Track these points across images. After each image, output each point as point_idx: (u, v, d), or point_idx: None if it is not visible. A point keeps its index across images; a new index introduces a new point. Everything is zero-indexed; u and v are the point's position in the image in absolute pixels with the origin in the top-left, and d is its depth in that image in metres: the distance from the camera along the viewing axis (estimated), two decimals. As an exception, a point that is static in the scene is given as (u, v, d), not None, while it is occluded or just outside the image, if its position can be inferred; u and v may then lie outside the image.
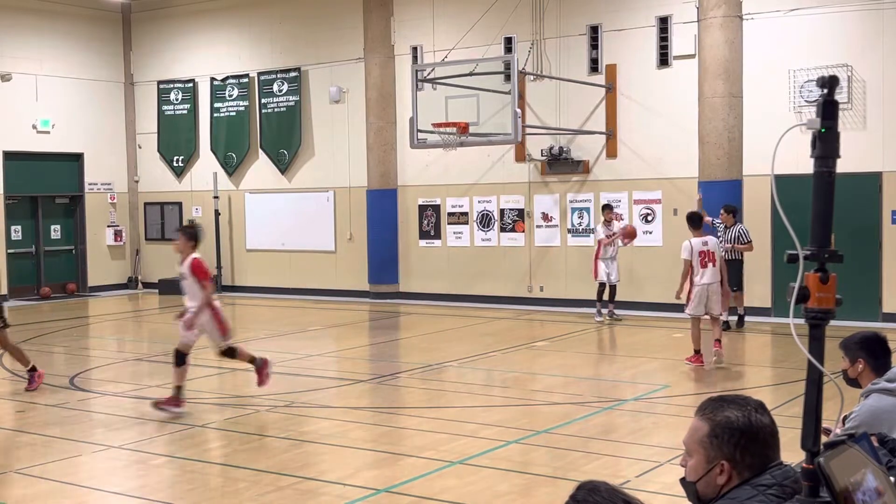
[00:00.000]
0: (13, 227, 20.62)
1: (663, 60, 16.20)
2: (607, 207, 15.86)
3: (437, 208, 18.69)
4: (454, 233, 18.54)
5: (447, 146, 15.39)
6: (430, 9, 18.32)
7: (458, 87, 15.24)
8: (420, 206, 18.86)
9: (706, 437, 2.69)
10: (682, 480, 2.78)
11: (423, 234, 18.85)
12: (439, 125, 14.85)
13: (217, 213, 21.18)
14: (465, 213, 18.39)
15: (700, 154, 15.78)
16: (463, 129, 14.61)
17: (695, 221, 11.80)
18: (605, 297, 15.46)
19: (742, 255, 14.29)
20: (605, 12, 16.74)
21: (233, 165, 21.12)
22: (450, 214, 18.58)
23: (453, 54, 16.22)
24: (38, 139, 20.79)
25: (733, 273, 13.47)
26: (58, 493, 6.90)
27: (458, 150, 16.06)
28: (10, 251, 20.40)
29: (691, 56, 15.90)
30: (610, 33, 16.68)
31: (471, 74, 15.02)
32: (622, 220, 16.04)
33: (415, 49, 18.36)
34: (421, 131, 14.92)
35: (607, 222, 15.50)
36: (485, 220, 18.18)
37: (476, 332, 14.87)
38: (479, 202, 18.23)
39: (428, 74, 15.10)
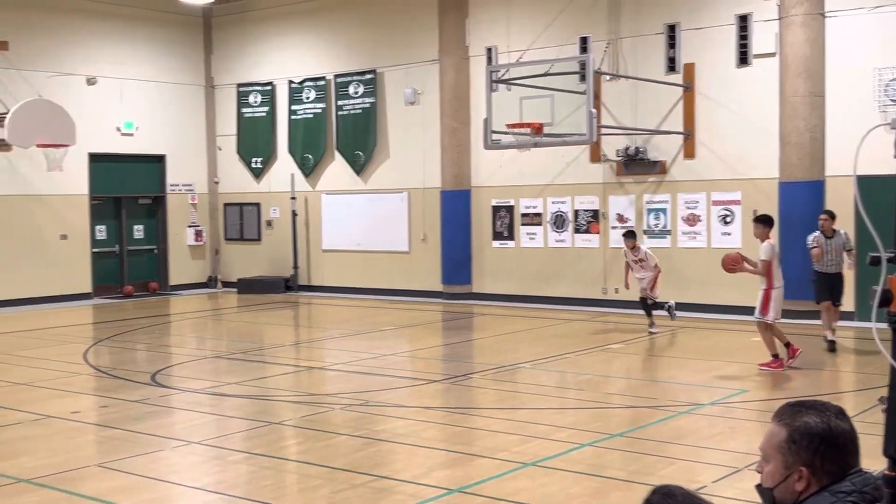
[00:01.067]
0: (98, 227, 21.23)
1: (743, 59, 15.91)
2: (629, 235, 14.70)
3: (510, 209, 18.66)
4: (528, 234, 18.49)
5: (521, 147, 15.35)
6: (506, 10, 18.31)
7: (532, 88, 15.19)
8: (494, 207, 18.85)
9: (784, 443, 2.65)
10: (759, 486, 2.74)
11: (497, 235, 18.84)
12: (513, 126, 14.82)
13: (294, 214, 21.50)
14: (539, 214, 18.32)
15: (781, 154, 15.46)
16: (537, 129, 14.56)
17: (770, 223, 11.53)
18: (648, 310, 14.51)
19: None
20: (683, 11, 16.52)
21: (310, 167, 21.41)
22: (523, 215, 18.53)
23: (528, 55, 16.18)
24: (122, 141, 21.37)
25: (838, 286, 12.66)
26: (140, 486, 7.08)
27: (532, 150, 16.01)
28: (95, 250, 21.00)
29: (772, 55, 15.58)
30: (688, 32, 16.44)
31: (545, 75, 14.97)
32: (641, 246, 14.83)
33: (489, 50, 18.36)
34: (495, 132, 14.91)
35: (631, 250, 14.43)
36: (559, 221, 18.09)
37: (549, 333, 14.81)
38: (553, 203, 18.15)
39: (502, 75, 15.09)
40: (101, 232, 21.31)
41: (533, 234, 18.41)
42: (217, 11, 22.62)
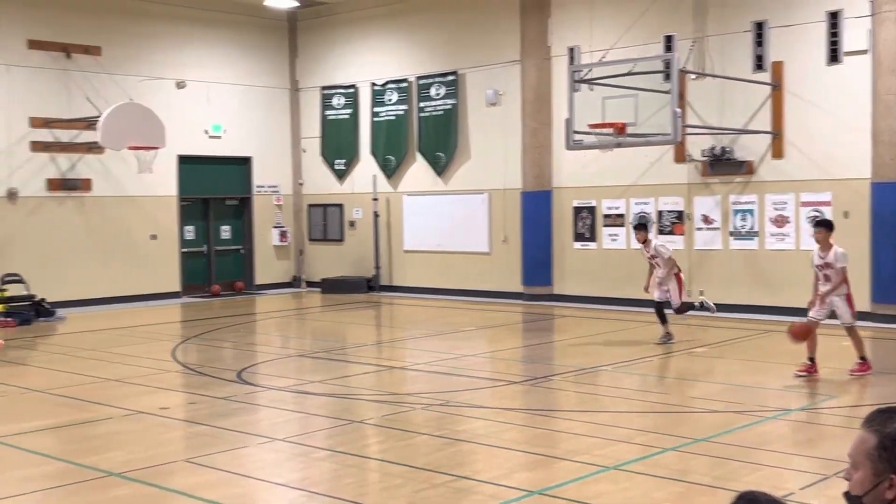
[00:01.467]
0: (187, 228, 21.76)
1: (833, 56, 15.49)
2: (639, 226, 14.01)
3: (592, 210, 18.52)
4: (610, 235, 18.32)
5: (604, 147, 15.23)
6: (588, 9, 18.18)
7: (615, 88, 15.04)
8: (575, 207, 18.73)
9: (874, 450, 2.58)
10: (847, 494, 2.67)
11: (578, 236, 18.71)
12: (596, 126, 14.70)
13: (376, 215, 21.70)
14: (622, 215, 18.14)
15: (873, 154, 15.01)
16: (620, 129, 14.42)
17: (832, 227, 11.26)
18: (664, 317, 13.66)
19: None
20: (771, 8, 16.16)
21: (391, 168, 21.58)
22: (605, 216, 18.37)
23: (611, 54, 16.03)
24: (210, 144, 21.86)
25: None
26: (226, 482, 7.23)
27: (615, 151, 15.88)
28: (183, 250, 21.53)
29: (864, 52, 15.14)
30: (776, 29, 16.08)
31: (629, 74, 14.81)
32: (654, 236, 14.26)
33: (571, 50, 18.13)
34: (577, 132, 14.81)
35: (643, 244, 13.72)
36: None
37: (631, 336, 14.64)
38: (635, 204, 17.95)
39: (585, 75, 14.98)
40: (190, 232, 21.85)
41: (615, 235, 18.23)
42: (302, 15, 22.96)
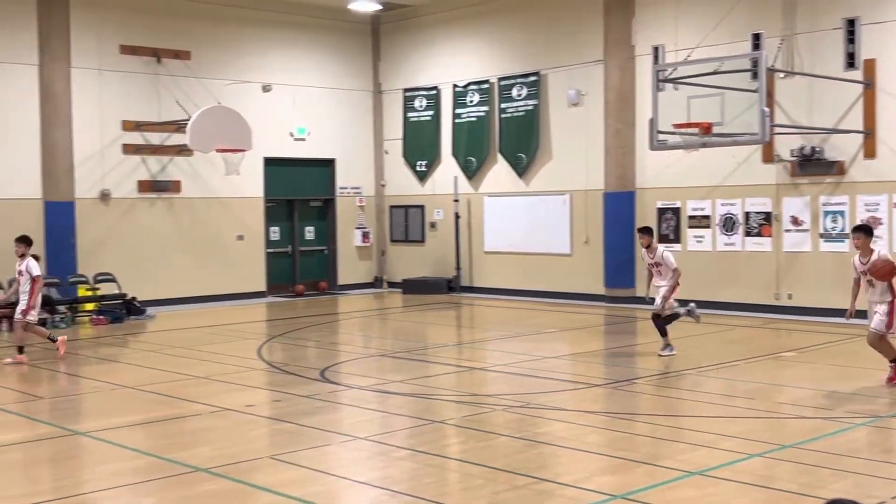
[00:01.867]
0: (272, 229, 22.15)
1: (929, 52, 14.99)
2: (643, 230, 13.26)
3: (676, 211, 18.25)
4: (695, 237, 18.02)
5: (689, 147, 15.00)
6: (673, 8, 17.92)
7: (701, 87, 14.80)
8: (659, 208, 18.48)
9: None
10: None
11: (662, 238, 18.43)
12: (681, 126, 14.49)
13: (457, 216, 21.76)
14: (707, 217, 17.83)
15: (972, 153, 14.47)
16: (706, 129, 14.18)
17: (871, 232, 10.89)
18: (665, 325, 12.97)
19: None
20: (863, 5, 15.70)
21: (472, 169, 21.61)
22: (690, 217, 18.08)
23: (696, 53, 15.77)
24: (295, 146, 22.20)
25: None
26: (309, 479, 7.33)
27: (701, 151, 15.61)
28: (269, 251, 21.92)
29: (962, 47, 14.61)
30: (869, 26, 15.62)
31: (715, 73, 14.55)
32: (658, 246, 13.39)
33: (656, 49, 17.93)
34: (661, 132, 14.61)
35: (646, 249, 12.98)
36: (728, 224, 17.54)
37: (717, 339, 14.39)
38: (721, 205, 17.63)
39: (669, 74, 14.78)
40: (275, 233, 22.23)
41: (700, 237, 17.93)
42: (385, 18, 23.16)
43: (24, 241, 13.47)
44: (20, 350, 13.06)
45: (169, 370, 12.32)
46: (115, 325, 17.32)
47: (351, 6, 21.53)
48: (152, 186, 19.86)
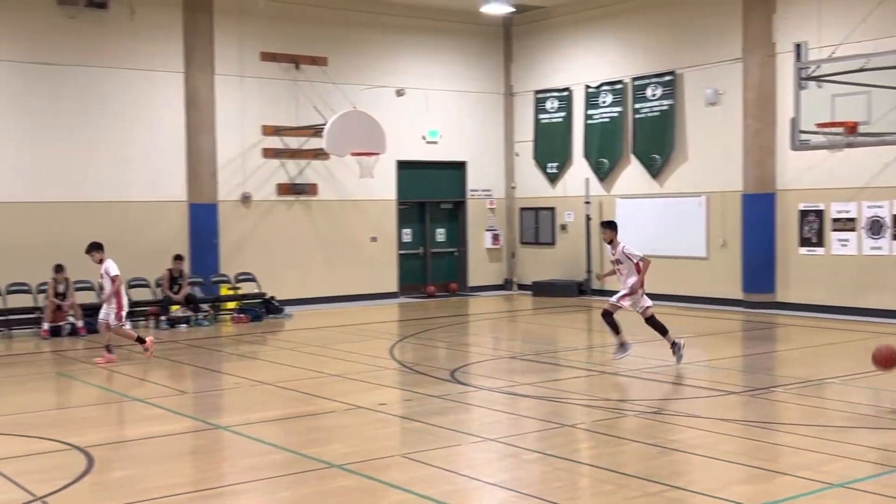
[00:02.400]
0: (404, 231, 22.48)
1: None
2: (605, 224, 12.96)
3: (819, 213, 17.57)
4: (839, 240, 17.31)
5: (833, 147, 14.43)
6: (817, 4, 17.25)
7: (846, 85, 14.20)
8: (801, 211, 17.83)
9: None
10: None
11: (804, 241, 17.79)
12: (824, 125, 13.93)
13: (588, 218, 21.55)
14: (853, 219, 17.10)
15: None
16: (851, 128, 13.58)
17: None
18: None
19: None
20: None
21: (604, 171, 21.36)
22: (834, 220, 17.37)
23: (841, 49, 15.15)
24: (427, 149, 22.46)
25: None
26: (439, 478, 7.39)
27: (845, 151, 15.00)
28: (401, 252, 22.25)
29: None
30: None
31: (861, 70, 13.92)
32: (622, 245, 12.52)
33: (798, 46, 17.31)
34: (803, 132, 14.08)
35: (609, 244, 12.61)
36: (875, 227, 16.78)
37: (863, 347, 13.73)
38: (868, 207, 16.87)
39: (813, 72, 14.23)
40: (407, 235, 22.55)
41: (845, 240, 17.21)
42: (517, 20, 23.16)
43: (97, 247, 13.43)
44: (108, 349, 13.30)
45: (305, 368, 12.65)
46: (254, 324, 17.92)
47: (483, 9, 21.59)
48: (290, 189, 20.45)
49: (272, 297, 19.05)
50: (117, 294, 13.31)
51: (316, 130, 19.62)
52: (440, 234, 23.22)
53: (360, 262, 21.33)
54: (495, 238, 23.52)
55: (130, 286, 18.09)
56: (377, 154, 19.54)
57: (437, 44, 22.54)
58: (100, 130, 18.30)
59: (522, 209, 23.57)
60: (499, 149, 23.65)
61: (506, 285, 23.69)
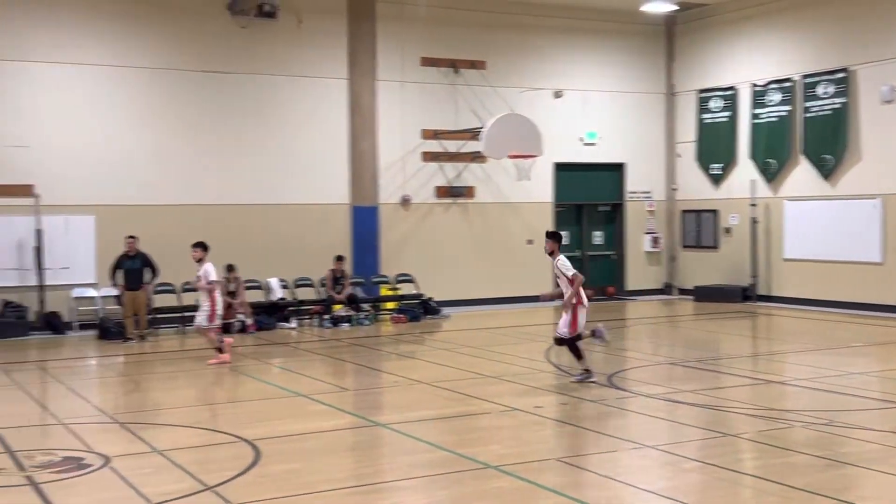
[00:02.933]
0: (561, 233, 22.29)
1: None
2: (550, 235, 11.86)
3: None
4: None
5: None
6: None
7: None
8: None
9: None
10: None
11: None
12: None
13: (754, 221, 20.84)
14: None
15: None
16: None
17: None
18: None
19: None
20: None
21: (772, 172, 20.60)
22: None
23: None
24: (585, 151, 22.27)
25: None
26: (595, 484, 7.32)
27: None
28: (558, 255, 22.11)
29: None
30: None
31: None
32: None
33: None
34: None
35: (549, 255, 11.71)
36: None
37: None
38: None
39: None
40: (564, 237, 22.37)
41: None
42: (680, 19, 22.66)
43: (201, 246, 13.63)
44: (219, 350, 13.57)
45: (461, 368, 12.78)
46: (413, 324, 18.24)
47: (644, 8, 21.25)
48: (448, 192, 20.70)
49: (430, 298, 19.33)
50: (212, 297, 13.54)
51: (474, 133, 19.79)
52: (597, 237, 22.97)
53: (516, 265, 21.35)
54: (655, 241, 23.07)
55: (297, 286, 18.79)
56: (534, 156, 19.53)
57: (596, 44, 22.31)
58: (268, 136, 19.05)
59: (684, 211, 23.02)
60: (659, 150, 23.19)
61: (665, 290, 23.19)
